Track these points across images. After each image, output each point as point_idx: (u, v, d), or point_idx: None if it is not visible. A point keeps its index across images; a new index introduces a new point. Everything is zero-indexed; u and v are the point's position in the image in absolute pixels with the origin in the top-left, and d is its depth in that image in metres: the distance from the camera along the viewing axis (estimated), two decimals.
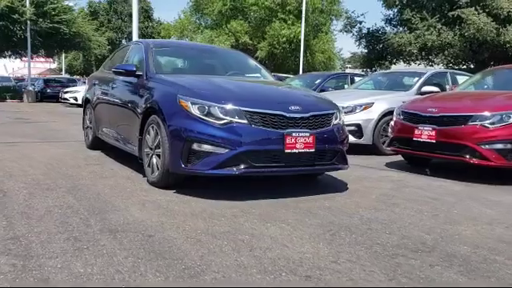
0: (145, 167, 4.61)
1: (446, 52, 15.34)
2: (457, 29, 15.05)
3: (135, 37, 12.34)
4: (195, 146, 3.95)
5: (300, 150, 4.03)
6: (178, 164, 4.02)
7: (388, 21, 18.83)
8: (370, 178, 5.30)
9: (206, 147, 3.92)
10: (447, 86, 8.62)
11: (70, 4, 28.05)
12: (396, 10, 18.01)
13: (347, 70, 27.65)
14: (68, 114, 15.30)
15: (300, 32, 25.48)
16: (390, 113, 7.40)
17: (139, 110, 4.75)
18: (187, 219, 3.37)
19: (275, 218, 3.47)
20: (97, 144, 6.66)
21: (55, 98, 25.20)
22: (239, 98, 4.18)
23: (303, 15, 24.31)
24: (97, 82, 6.57)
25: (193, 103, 4.03)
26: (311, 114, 4.17)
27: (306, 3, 24.78)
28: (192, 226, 3.22)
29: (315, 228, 3.28)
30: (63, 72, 48.76)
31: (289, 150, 3.98)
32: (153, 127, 4.43)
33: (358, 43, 19.28)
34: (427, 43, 15.36)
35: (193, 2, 30.23)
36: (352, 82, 10.85)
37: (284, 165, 4.06)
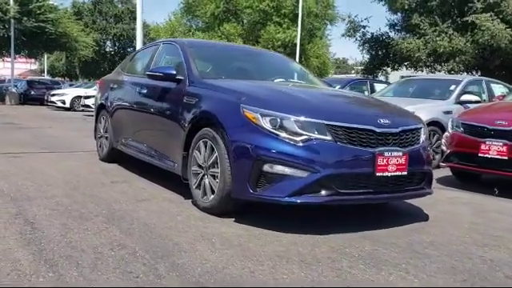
0: (192, 189, 3.88)
1: (457, 59, 14.91)
2: (468, 35, 14.61)
3: (139, 43, 11.56)
4: (267, 168, 3.24)
5: (392, 174, 3.36)
6: (245, 188, 3.30)
7: (392, 26, 18.37)
8: (439, 201, 4.64)
9: (281, 169, 3.22)
10: (483, 95, 8.08)
11: (56, 4, 26.98)
12: (401, 15, 17.53)
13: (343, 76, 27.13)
14: (60, 119, 14.38)
15: (295, 36, 24.91)
16: (432, 123, 6.81)
17: (184, 122, 4.02)
18: (277, 264, 2.66)
19: (383, 262, 2.79)
20: (113, 156, 5.89)
21: (39, 101, 24.10)
22: (317, 108, 3.49)
23: (300, 19, 23.74)
24: (115, 87, 5.79)
25: (263, 115, 3.33)
26: (401, 128, 3.51)
27: (302, 7, 24.23)
28: (289, 274, 2.52)
29: (443, 276, 2.61)
30: (45, 73, 47.29)
31: (380, 173, 3.31)
32: (205, 142, 3.71)
33: (361, 48, 18.75)
34: (438, 49, 14.89)
35: (184, 3, 29.39)
36: (372, 88, 10.24)
37: (372, 191, 3.38)
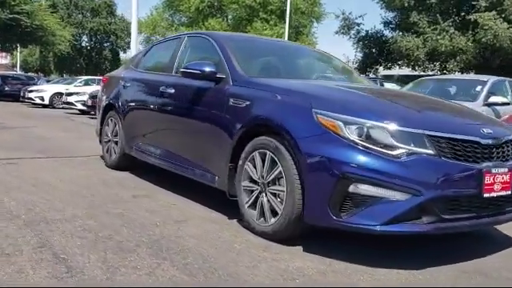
0: (243, 208, 3.27)
1: (457, 58, 14.57)
2: (470, 34, 14.29)
3: (134, 41, 10.81)
4: (355, 188, 2.65)
5: (497, 194, 2.81)
6: (324, 213, 2.71)
7: (387, 24, 17.97)
8: None
9: (374, 190, 2.63)
10: (508, 96, 7.68)
11: None
12: (397, 13, 17.12)
13: None
14: (42, 117, 13.47)
15: (282, 33, 24.37)
16: None
17: (231, 128, 3.40)
18: None
19: None
20: (124, 163, 5.21)
21: (13, 97, 22.83)
22: (411, 115, 2.93)
23: (287, 16, 23.20)
24: (128, 85, 5.09)
25: (346, 123, 2.73)
26: (505, 139, 2.96)
27: (290, 4, 23.69)
28: None
29: None
30: (17, 68, 45.52)
31: (487, 194, 2.76)
32: (263, 154, 3.10)
33: (355, 46, 18.29)
34: (439, 48, 14.53)
35: None
36: None
37: (475, 215, 2.82)
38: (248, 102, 3.31)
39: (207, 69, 3.70)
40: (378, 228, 2.60)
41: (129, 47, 50.96)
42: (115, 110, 5.28)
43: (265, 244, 3.00)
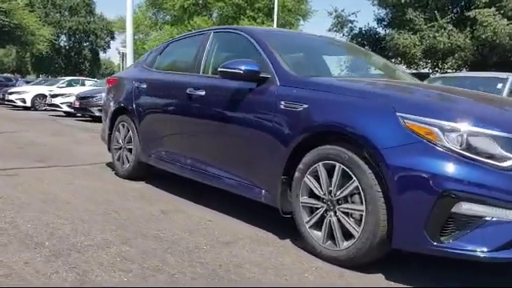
0: (304, 229, 2.85)
1: (456, 55, 14.35)
2: (468, 31, 14.08)
3: (129, 39, 10.25)
4: (458, 208, 2.24)
5: None
6: (419, 237, 2.29)
7: (379, 21, 17.68)
8: None
9: (482, 210, 2.22)
10: None
11: None
12: (391, 10, 16.82)
13: None
14: (28, 120, 12.76)
15: None
16: None
17: (285, 135, 2.96)
18: None
19: None
20: (139, 172, 4.73)
21: None
22: (508, 120, 2.51)
23: (275, 14, 22.75)
24: (143, 86, 4.60)
25: (443, 129, 2.31)
26: None
27: (278, 1, 23.27)
28: None
29: None
30: None
31: None
32: (331, 166, 2.68)
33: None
34: (437, 46, 14.28)
35: None
36: None
37: None
38: (306, 106, 2.87)
39: (250, 68, 3.24)
40: (487, 255, 2.19)
41: (109, 46, 50.13)
42: (128, 114, 4.78)
43: (338, 272, 2.57)
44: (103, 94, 13.58)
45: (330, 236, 2.70)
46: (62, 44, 44.33)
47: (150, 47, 28.68)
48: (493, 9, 13.01)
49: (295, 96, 2.97)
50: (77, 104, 13.70)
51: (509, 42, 12.94)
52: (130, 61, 9.69)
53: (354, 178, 2.54)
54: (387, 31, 17.14)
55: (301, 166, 2.85)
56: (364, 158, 2.51)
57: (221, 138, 3.56)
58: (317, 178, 2.77)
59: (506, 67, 13.34)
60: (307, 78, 3.12)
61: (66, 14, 43.10)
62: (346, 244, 2.59)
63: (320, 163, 2.73)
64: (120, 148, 4.94)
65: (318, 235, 2.76)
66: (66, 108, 15.07)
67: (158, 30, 26.92)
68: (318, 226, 2.77)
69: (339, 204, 2.64)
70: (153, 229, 3.16)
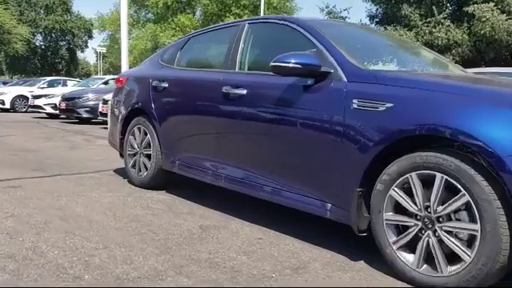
0: (388, 251, 2.42)
1: (453, 51, 14.16)
2: (465, 26, 13.88)
3: (124, 38, 9.68)
4: None
5: None
6: None
7: (372, 17, 17.40)
8: None
9: None
10: None
11: None
12: (381, 6, 16.55)
13: None
14: (11, 123, 12.07)
15: None
16: None
17: (361, 140, 2.53)
18: None
19: None
20: (158, 180, 4.24)
21: None
22: None
23: (262, 11, 22.31)
24: (164, 86, 4.11)
25: None
26: None
27: None
28: None
29: None
30: None
31: None
32: (429, 177, 2.25)
33: None
34: (434, 42, 14.05)
35: None
36: None
37: None
38: (390, 105, 2.43)
39: (310, 62, 2.80)
40: None
41: (86, 46, 48.85)
42: (146, 117, 4.28)
43: None
44: (90, 95, 13.06)
45: (426, 260, 2.27)
46: (37, 43, 43.02)
47: (131, 45, 27.90)
48: (491, 4, 12.83)
49: (373, 93, 2.54)
50: (63, 105, 13.04)
51: (507, 37, 12.78)
52: (124, 59, 9.13)
53: (464, 191, 2.12)
54: (380, 28, 16.86)
55: (385, 176, 2.42)
56: (476, 168, 2.09)
57: (270, 144, 3.10)
58: (408, 191, 2.35)
59: (502, 64, 13.20)
60: (384, 72, 2.70)
61: (42, 12, 41.81)
62: (452, 269, 2.17)
63: (413, 173, 2.31)
64: (135, 154, 4.44)
65: (409, 258, 2.34)
66: (49, 109, 14.39)
67: (141, 27, 26.18)
68: (409, 247, 2.35)
69: (440, 222, 2.22)
70: (202, 251, 2.70)
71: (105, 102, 11.19)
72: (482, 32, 13.15)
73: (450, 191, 2.19)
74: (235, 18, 24.36)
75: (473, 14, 13.11)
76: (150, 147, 4.24)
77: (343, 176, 2.62)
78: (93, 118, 12.57)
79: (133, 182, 4.47)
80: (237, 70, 3.52)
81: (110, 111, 5.06)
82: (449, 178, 2.17)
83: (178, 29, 24.61)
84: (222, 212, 3.60)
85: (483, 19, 12.95)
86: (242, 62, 3.53)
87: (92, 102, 12.64)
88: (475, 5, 13.25)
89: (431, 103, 2.30)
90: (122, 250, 2.64)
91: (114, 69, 53.16)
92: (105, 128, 11.14)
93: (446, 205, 2.19)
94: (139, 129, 4.38)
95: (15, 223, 3.04)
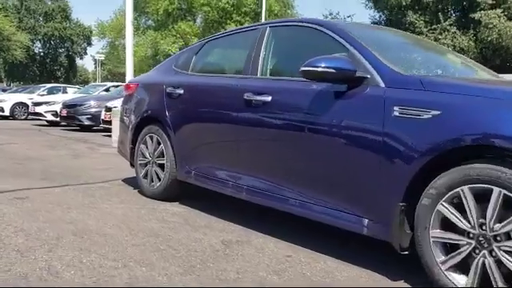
0: (437, 271, 2.23)
1: None
2: (471, 33, 13.76)
3: (129, 52, 9.49)
4: None
5: None
6: None
7: (375, 24, 17.25)
8: None
9: None
10: None
11: None
12: (383, 13, 16.45)
13: None
14: (12, 130, 11.86)
15: None
16: None
17: (404, 151, 2.34)
18: None
19: None
20: (172, 191, 4.05)
21: None
22: None
23: (263, 18, 22.18)
24: (180, 92, 3.92)
25: None
26: None
27: (265, 5, 22.75)
28: None
29: None
30: None
31: None
32: (488, 192, 2.07)
33: None
34: None
35: None
36: None
37: None
38: (437, 112, 2.25)
39: (344, 66, 2.62)
40: None
41: (85, 53, 48.70)
42: (159, 125, 4.09)
43: None
44: (92, 102, 12.86)
45: (482, 281, 2.07)
46: (36, 50, 42.86)
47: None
48: (498, 10, 12.71)
49: (417, 100, 2.35)
50: (64, 112, 12.85)
51: None
52: (129, 65, 8.94)
53: None
54: None
55: (432, 190, 2.22)
56: None
57: (298, 154, 2.91)
58: (458, 207, 2.15)
59: (507, 70, 13.07)
60: (429, 77, 2.52)
61: (41, 19, 41.67)
62: None
63: (465, 187, 2.11)
64: (147, 163, 4.25)
65: (460, 279, 2.15)
66: (50, 117, 14.17)
67: (141, 34, 26.03)
68: (460, 267, 2.15)
69: (498, 241, 2.02)
70: (229, 270, 2.50)
71: (107, 109, 11.03)
72: (489, 39, 13.03)
73: (509, 207, 1.99)
74: (236, 25, 24.23)
75: (479, 20, 13.00)
76: (163, 156, 4.05)
77: (383, 189, 2.43)
78: (94, 125, 12.38)
79: (144, 192, 4.28)
80: (259, 75, 3.33)
81: (119, 119, 4.86)
82: (508, 193, 1.98)
83: (178, 36, 24.48)
84: (242, 226, 3.40)
85: (490, 26, 12.84)
86: (264, 68, 3.35)
87: (94, 110, 12.45)
88: (482, 11, 13.15)
89: (484, 110, 2.12)
90: (143, 270, 2.44)
91: (113, 76, 53.04)
92: (107, 136, 10.98)
93: (505, 222, 2.00)
94: (151, 137, 4.18)
95: (26, 239, 2.84)
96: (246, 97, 3.24)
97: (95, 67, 55.59)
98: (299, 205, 2.89)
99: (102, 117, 11.21)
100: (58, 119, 13.70)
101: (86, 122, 12.48)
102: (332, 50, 2.90)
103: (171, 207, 3.92)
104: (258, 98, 3.16)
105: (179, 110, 3.90)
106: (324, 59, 2.65)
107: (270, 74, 3.33)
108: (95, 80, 56.14)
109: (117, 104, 10.72)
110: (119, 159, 6.08)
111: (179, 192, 4.10)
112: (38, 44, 42.69)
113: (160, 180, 4.08)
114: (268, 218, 3.54)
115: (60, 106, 13.46)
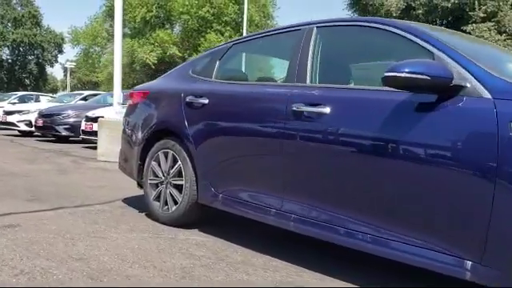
0: None
1: None
2: None
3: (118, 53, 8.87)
4: None
5: None
6: None
7: None
8: None
9: None
10: None
11: None
12: None
13: None
14: None
15: None
16: None
17: None
18: None
19: None
20: (191, 217, 3.49)
21: None
22: None
23: (245, 28, 21.74)
24: (204, 102, 3.38)
25: None
26: None
27: (246, 16, 22.33)
28: None
29: None
30: None
31: None
32: None
33: None
34: None
35: (107, 6, 26.00)
36: None
37: None
38: None
39: (439, 73, 2.13)
40: None
41: (56, 60, 47.18)
42: (176, 139, 3.53)
43: None
44: (70, 111, 12.08)
45: None
46: (4, 57, 41.28)
47: (107, 60, 26.93)
48: (489, 24, 12.61)
49: None
50: (40, 122, 12.04)
51: None
52: (117, 74, 8.34)
53: None
54: None
55: None
56: None
57: (370, 178, 2.41)
58: None
59: None
60: None
61: (9, 25, 40.20)
62: None
63: None
64: (159, 184, 3.67)
65: None
66: (24, 127, 13.31)
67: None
68: None
69: None
70: None
71: (88, 119, 10.34)
72: None
73: None
74: (217, 35, 23.78)
75: (470, 33, 12.89)
76: (181, 176, 3.48)
77: (496, 226, 1.93)
78: (73, 136, 11.61)
79: (155, 217, 3.69)
80: (308, 83, 2.82)
81: (124, 132, 4.26)
82: None
83: (156, 44, 23.79)
84: (284, 260, 2.88)
85: (481, 39, 12.74)
86: (313, 74, 2.84)
87: (72, 119, 11.71)
88: (474, 24, 13.05)
89: None
90: None
91: (83, 84, 51.68)
92: (88, 148, 10.27)
93: None
94: (166, 154, 3.61)
95: (33, 285, 2.22)
96: (294, 108, 2.73)
97: (64, 75, 54.16)
98: (372, 240, 2.38)
99: (83, 127, 10.49)
100: (32, 129, 12.86)
101: (64, 133, 11.70)
102: (408, 54, 2.42)
103: (191, 236, 3.35)
104: (312, 109, 2.65)
105: (203, 123, 3.35)
106: (415, 64, 2.17)
107: (322, 82, 2.83)
108: (64, 88, 54.57)
109: (100, 113, 10.06)
110: (111, 175, 5.50)
111: (199, 217, 3.55)
112: (6, 50, 41.12)
113: (177, 203, 3.51)
114: (305, 246, 3.03)
115: (35, 115, 12.64)
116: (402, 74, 2.15)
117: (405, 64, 2.17)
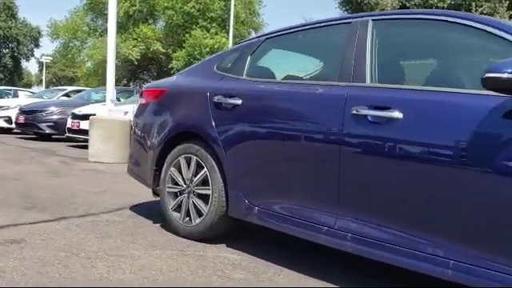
0: None
1: None
2: None
3: (111, 51, 8.41)
4: None
5: None
6: None
7: None
8: None
9: None
10: None
11: None
12: None
13: None
14: None
15: (225, 43, 22.50)
16: None
17: None
18: None
19: None
20: (217, 231, 3.12)
21: None
22: None
23: (231, 25, 21.29)
24: (235, 103, 3.00)
25: None
26: None
27: (233, 13, 21.93)
28: None
29: None
30: None
31: None
32: None
33: None
34: None
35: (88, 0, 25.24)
36: None
37: None
38: None
39: None
40: None
41: (32, 54, 45.83)
42: (202, 143, 3.15)
43: None
44: (53, 108, 11.47)
45: None
46: None
47: (87, 55, 26.17)
48: None
49: None
50: (21, 119, 11.44)
51: None
52: (111, 69, 7.90)
53: None
54: None
55: None
56: None
57: (460, 199, 2.07)
58: None
59: None
60: None
61: None
62: None
63: None
64: (180, 193, 3.27)
65: None
66: (3, 123, 12.65)
67: (99, 36, 24.51)
68: None
69: None
70: None
71: (75, 116, 9.82)
72: None
73: None
74: (202, 31, 23.29)
75: None
76: (207, 185, 3.10)
77: None
78: (57, 133, 11.04)
79: (175, 229, 3.30)
80: (368, 82, 2.47)
81: (134, 133, 3.85)
82: None
83: (139, 39, 23.17)
84: (335, 283, 2.52)
85: None
86: (373, 73, 2.49)
87: (56, 117, 11.15)
88: None
89: None
90: None
91: (58, 79, 50.40)
92: (73, 146, 9.75)
93: None
94: (189, 159, 3.22)
95: None
96: (354, 111, 2.38)
97: (39, 70, 52.77)
98: (452, 266, 2.04)
99: (69, 125, 9.95)
100: (12, 126, 12.22)
101: (47, 131, 11.13)
102: (495, 53, 2.09)
103: (221, 253, 2.98)
104: (379, 113, 2.30)
105: (236, 126, 2.97)
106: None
107: (384, 81, 2.48)
108: (39, 83, 53.14)
109: (87, 111, 9.54)
110: (108, 178, 5.11)
111: (225, 231, 3.17)
112: None
113: (201, 215, 3.12)
114: (365, 266, 2.69)
115: (15, 111, 12.02)
116: (505, 75, 1.82)
117: (508, 63, 1.85)
